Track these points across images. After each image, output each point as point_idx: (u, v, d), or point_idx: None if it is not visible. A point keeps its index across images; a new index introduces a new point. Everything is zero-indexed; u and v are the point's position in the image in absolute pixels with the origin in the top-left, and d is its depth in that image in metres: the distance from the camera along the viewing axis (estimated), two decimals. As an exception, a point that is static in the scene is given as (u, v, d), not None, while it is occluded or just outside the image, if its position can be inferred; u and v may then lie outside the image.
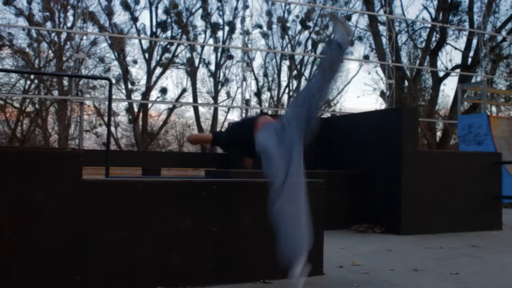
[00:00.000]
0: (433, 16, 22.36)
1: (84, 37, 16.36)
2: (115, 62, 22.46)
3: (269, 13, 24.59)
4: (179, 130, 26.82)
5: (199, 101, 24.51)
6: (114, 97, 18.58)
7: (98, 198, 3.18)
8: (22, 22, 20.80)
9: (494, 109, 22.42)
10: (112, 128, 22.37)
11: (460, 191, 6.63)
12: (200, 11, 23.57)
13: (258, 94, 25.27)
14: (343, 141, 7.34)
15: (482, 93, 14.15)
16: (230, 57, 24.04)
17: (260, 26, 24.53)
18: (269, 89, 26.17)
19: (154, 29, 23.13)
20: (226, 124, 19.27)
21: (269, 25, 24.64)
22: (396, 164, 6.27)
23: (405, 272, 3.98)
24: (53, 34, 20.87)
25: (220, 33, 24.40)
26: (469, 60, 21.89)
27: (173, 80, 49.65)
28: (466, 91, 17.88)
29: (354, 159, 7.01)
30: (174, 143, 26.56)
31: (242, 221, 3.59)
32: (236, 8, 23.72)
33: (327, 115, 23.16)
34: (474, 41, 21.58)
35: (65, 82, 20.12)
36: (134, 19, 22.75)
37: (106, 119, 19.17)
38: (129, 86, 22.99)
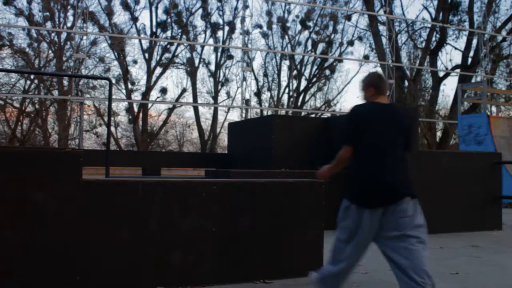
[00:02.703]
0: (433, 16, 22.35)
1: (84, 37, 16.36)
2: (115, 62, 22.47)
3: (269, 13, 24.59)
4: (179, 130, 26.83)
5: (199, 101, 24.51)
6: (114, 97, 18.58)
7: (98, 198, 3.18)
8: (22, 22, 20.81)
9: (494, 109, 22.41)
10: (112, 128, 22.37)
11: (460, 191, 6.63)
12: (200, 11, 23.58)
13: (258, 94, 25.27)
14: (343, 141, 7.33)
15: (482, 93, 14.14)
16: (230, 57, 24.04)
17: (260, 26, 24.54)
18: (269, 89, 26.19)
19: (154, 29, 23.14)
20: (226, 124, 19.26)
21: (269, 25, 24.64)
22: (396, 164, 6.26)
23: (405, 272, 3.98)
24: (53, 34, 20.87)
25: (220, 33, 24.42)
26: (469, 60, 21.89)
27: (173, 80, 49.74)
28: (466, 91, 17.87)
29: (354, 159, 6.99)
30: (174, 143, 26.56)
31: (242, 221, 3.59)
32: (236, 8, 23.73)
33: (327, 115, 23.18)
34: (474, 41, 21.59)
35: (65, 82, 20.12)
36: (134, 19, 22.75)
37: (106, 119, 19.17)
38: (129, 86, 22.99)
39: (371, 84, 2.97)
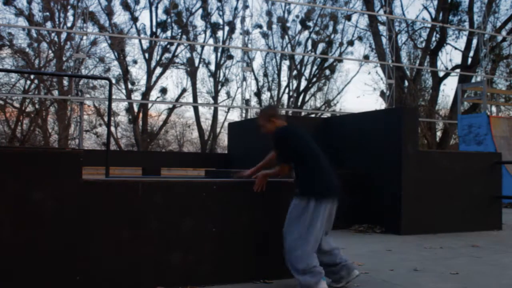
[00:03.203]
0: (433, 16, 22.35)
1: (84, 37, 16.35)
2: (115, 62, 22.48)
3: (269, 13, 24.60)
4: (179, 130, 26.84)
5: (199, 101, 24.51)
6: (114, 97, 18.58)
7: (98, 198, 3.18)
8: (22, 22, 20.82)
9: (494, 109, 22.41)
10: (112, 128, 22.37)
11: (460, 191, 6.63)
12: (200, 11, 23.58)
13: (258, 94, 25.27)
14: (343, 141, 7.34)
15: (482, 93, 14.13)
16: (230, 57, 24.04)
17: (260, 26, 24.54)
18: (269, 89, 26.19)
19: (154, 29, 23.14)
20: (226, 124, 19.27)
21: (269, 25, 24.64)
22: (396, 164, 6.27)
23: (405, 272, 3.98)
24: (53, 34, 20.86)
25: (220, 33, 24.42)
26: (469, 60, 21.89)
27: (173, 80, 49.75)
28: (466, 91, 17.87)
29: (354, 159, 7.01)
30: (174, 143, 26.57)
31: (242, 221, 3.59)
32: (236, 8, 23.74)
33: (327, 115, 23.18)
34: (474, 41, 21.59)
35: (65, 82, 20.11)
36: (134, 19, 22.75)
37: (106, 119, 19.18)
38: (129, 86, 23.00)
39: (273, 115, 3.59)
